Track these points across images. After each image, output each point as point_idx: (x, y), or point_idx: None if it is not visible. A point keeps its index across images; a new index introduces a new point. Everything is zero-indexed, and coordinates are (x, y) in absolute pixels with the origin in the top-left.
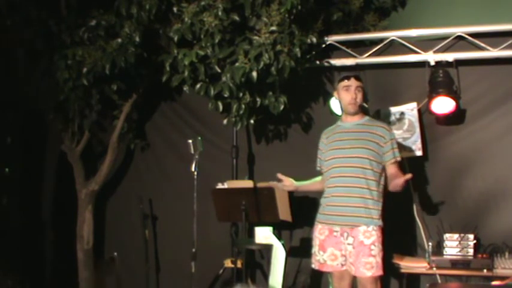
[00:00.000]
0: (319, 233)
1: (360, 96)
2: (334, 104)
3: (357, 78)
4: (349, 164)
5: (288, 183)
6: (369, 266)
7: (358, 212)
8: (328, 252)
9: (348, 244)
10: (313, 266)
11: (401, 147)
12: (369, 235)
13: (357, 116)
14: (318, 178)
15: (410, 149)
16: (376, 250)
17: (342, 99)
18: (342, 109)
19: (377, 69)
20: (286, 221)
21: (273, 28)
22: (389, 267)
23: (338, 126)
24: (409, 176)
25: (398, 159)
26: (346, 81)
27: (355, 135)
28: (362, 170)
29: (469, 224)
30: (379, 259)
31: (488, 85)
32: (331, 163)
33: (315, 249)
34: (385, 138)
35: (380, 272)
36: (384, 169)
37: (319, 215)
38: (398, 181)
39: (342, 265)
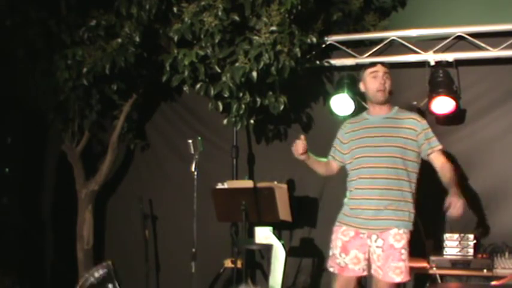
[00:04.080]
0: (343, 234)
1: (388, 83)
2: (335, 104)
3: (384, 65)
4: (381, 164)
5: (303, 146)
6: (399, 271)
7: (390, 214)
8: (351, 254)
9: (377, 247)
10: (331, 269)
11: None
12: (400, 238)
13: (385, 108)
14: (324, 159)
15: None
16: (406, 254)
17: (368, 89)
18: (368, 99)
19: None
20: (286, 221)
21: (273, 28)
22: None
23: (365, 120)
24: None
25: (439, 147)
26: (373, 67)
27: (384, 131)
28: (394, 171)
29: (469, 224)
30: (407, 264)
31: (488, 85)
32: (359, 162)
33: (336, 251)
34: (416, 130)
35: (408, 278)
36: (418, 167)
37: (343, 216)
38: (452, 204)
39: (363, 270)
